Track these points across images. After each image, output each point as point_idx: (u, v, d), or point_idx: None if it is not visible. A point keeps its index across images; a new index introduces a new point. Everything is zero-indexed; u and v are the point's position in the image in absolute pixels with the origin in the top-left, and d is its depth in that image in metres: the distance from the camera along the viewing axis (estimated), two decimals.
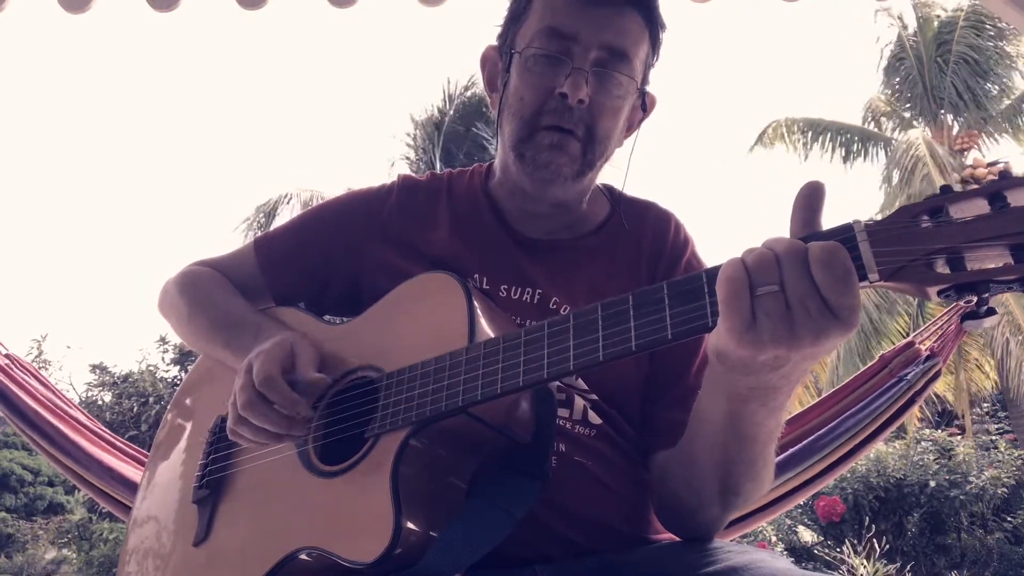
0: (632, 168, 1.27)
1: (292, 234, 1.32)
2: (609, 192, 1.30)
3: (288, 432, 1.00)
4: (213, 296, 1.26)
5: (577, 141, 1.13)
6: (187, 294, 1.28)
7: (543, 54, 1.12)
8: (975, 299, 0.66)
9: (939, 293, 0.67)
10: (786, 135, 14.52)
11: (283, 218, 15.08)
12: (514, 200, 1.23)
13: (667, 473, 1.07)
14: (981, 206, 0.65)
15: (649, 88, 1.22)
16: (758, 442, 0.89)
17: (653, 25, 1.17)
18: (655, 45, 1.19)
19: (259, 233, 1.38)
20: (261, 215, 15.42)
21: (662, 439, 1.10)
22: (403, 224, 1.25)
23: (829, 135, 14.47)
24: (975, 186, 0.65)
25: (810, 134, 14.49)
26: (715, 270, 0.75)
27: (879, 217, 0.71)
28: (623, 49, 1.13)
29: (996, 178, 0.63)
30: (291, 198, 15.38)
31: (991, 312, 0.67)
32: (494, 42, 1.25)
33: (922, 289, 0.67)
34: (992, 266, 0.65)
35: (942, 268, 0.67)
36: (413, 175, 1.33)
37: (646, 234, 1.24)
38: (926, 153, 12.12)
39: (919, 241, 0.67)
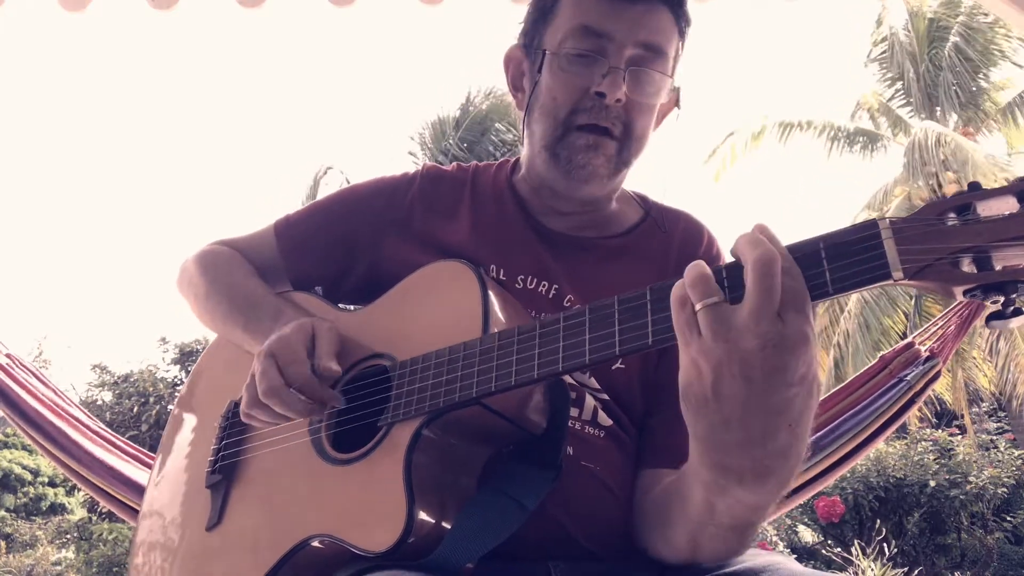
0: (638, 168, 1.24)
1: (313, 218, 1.29)
2: (642, 199, 1.29)
3: (307, 416, 1.01)
4: (233, 276, 1.24)
5: (613, 140, 1.11)
6: (207, 273, 1.26)
7: (577, 53, 1.10)
8: (1002, 299, 0.65)
9: (965, 293, 0.65)
10: (771, 134, 14.37)
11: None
12: (540, 196, 1.22)
13: (644, 503, 1.04)
14: (1010, 204, 0.64)
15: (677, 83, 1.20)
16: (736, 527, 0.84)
17: (681, 21, 1.15)
18: (683, 40, 1.17)
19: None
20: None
21: (651, 457, 1.08)
22: (424, 213, 1.23)
23: (817, 133, 14.32)
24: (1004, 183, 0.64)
25: (797, 132, 14.34)
26: (732, 267, 0.74)
27: (886, 213, 0.69)
28: (659, 46, 1.10)
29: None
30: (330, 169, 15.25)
31: (1018, 312, 0.65)
32: (515, 41, 1.22)
33: (948, 288, 0.66)
34: (1021, 265, 0.63)
35: (968, 267, 0.65)
36: (438, 165, 1.31)
37: (675, 243, 1.22)
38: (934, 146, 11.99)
39: (945, 239, 0.65)
